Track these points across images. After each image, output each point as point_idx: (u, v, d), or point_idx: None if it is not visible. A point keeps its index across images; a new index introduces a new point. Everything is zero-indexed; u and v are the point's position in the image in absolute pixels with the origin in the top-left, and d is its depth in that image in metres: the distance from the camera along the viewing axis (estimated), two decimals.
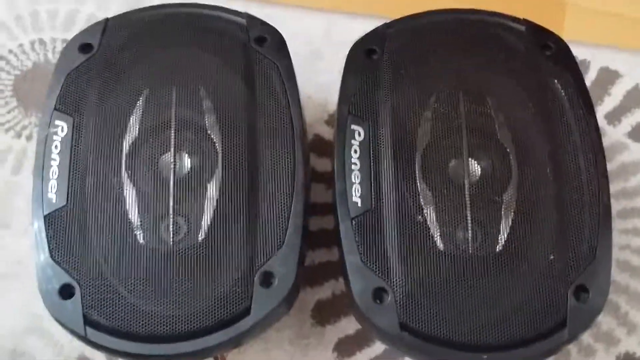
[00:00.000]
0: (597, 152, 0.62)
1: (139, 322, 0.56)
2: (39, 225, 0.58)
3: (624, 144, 0.78)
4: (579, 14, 0.86)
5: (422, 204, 0.59)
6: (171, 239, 0.58)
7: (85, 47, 0.64)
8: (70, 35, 0.67)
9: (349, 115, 0.62)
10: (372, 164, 0.61)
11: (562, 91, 0.64)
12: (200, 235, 0.58)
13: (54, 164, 0.59)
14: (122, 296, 0.56)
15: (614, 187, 0.75)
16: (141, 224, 0.58)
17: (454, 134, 0.62)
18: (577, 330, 0.57)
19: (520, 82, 0.65)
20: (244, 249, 0.58)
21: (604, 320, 0.70)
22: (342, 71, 0.65)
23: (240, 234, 0.58)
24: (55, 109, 0.61)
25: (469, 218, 0.59)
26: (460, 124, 0.62)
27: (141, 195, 0.59)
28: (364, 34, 0.67)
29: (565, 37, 0.67)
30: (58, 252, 0.57)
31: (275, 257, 0.58)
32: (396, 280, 0.57)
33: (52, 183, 0.59)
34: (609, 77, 0.81)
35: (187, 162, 0.60)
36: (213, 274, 0.57)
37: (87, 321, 0.56)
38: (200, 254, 0.57)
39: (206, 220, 0.58)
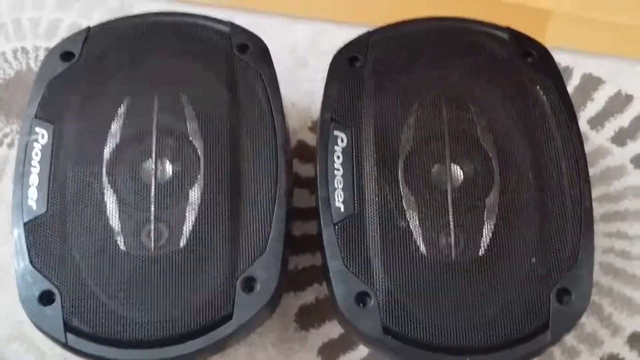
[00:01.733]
0: (579, 158, 0.62)
1: (121, 328, 0.55)
2: (19, 232, 0.58)
3: (607, 149, 0.79)
4: (562, 21, 0.87)
5: (405, 209, 0.60)
6: (153, 245, 0.57)
7: (66, 55, 0.64)
8: (52, 44, 0.67)
9: (332, 122, 0.63)
10: (355, 169, 0.61)
11: (544, 97, 0.64)
12: (182, 241, 0.58)
13: (34, 171, 0.59)
14: (102, 302, 0.56)
15: (597, 191, 0.76)
16: (122, 231, 0.58)
17: (436, 140, 0.62)
18: (560, 333, 0.57)
19: (503, 88, 0.65)
20: (226, 255, 0.57)
21: (588, 322, 0.70)
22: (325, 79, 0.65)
23: (222, 239, 0.58)
24: (35, 116, 0.61)
25: (451, 223, 0.59)
26: (443, 130, 0.62)
27: (122, 202, 0.59)
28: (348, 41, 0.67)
29: (548, 43, 0.68)
30: (38, 259, 0.57)
31: (257, 263, 0.57)
32: (379, 284, 0.57)
33: (32, 190, 0.59)
34: (591, 83, 0.82)
35: (168, 168, 0.60)
36: (195, 279, 0.57)
37: (68, 328, 0.55)
38: (182, 260, 0.57)
39: (188, 226, 0.58)
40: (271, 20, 0.84)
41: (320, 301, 0.71)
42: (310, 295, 0.71)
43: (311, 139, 0.78)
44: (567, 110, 0.64)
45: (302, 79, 0.81)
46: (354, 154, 0.61)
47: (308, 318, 0.70)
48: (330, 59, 0.66)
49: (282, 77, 0.65)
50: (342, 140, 0.62)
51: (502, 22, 0.69)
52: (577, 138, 0.63)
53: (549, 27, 0.86)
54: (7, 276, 0.70)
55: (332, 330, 0.70)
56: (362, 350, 0.69)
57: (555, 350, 0.69)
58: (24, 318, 0.57)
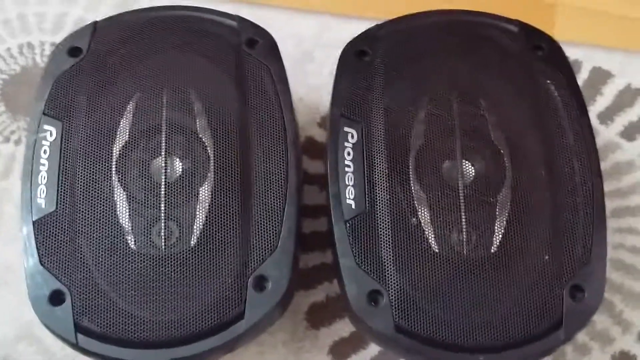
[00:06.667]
0: (590, 152, 0.62)
1: (131, 328, 0.55)
2: (28, 231, 0.57)
3: (617, 144, 0.78)
4: (571, 14, 0.86)
5: (416, 205, 0.59)
6: (163, 244, 0.57)
7: (74, 51, 0.63)
8: (58, 39, 0.66)
9: (342, 118, 0.62)
10: (365, 166, 0.60)
11: (554, 92, 0.64)
12: (192, 239, 0.57)
13: (43, 169, 0.59)
14: (113, 302, 0.55)
15: (608, 187, 0.75)
16: (132, 229, 0.57)
17: (447, 136, 0.62)
18: (573, 330, 0.57)
19: (513, 83, 0.64)
20: (236, 253, 0.57)
21: (599, 319, 0.70)
22: (333, 73, 0.64)
23: (232, 238, 0.57)
24: (43, 113, 0.60)
25: (463, 219, 0.59)
26: (454, 126, 0.62)
27: (132, 200, 0.58)
28: (355, 35, 0.67)
29: (557, 37, 0.67)
30: (48, 258, 0.56)
31: (268, 261, 0.57)
32: (391, 282, 0.57)
33: (41, 188, 0.58)
34: (601, 76, 0.81)
35: (178, 166, 0.59)
36: (206, 278, 0.56)
37: (78, 328, 0.55)
38: (192, 259, 0.57)
39: (198, 224, 0.58)
40: (275, 14, 0.84)
41: (330, 299, 0.70)
42: (320, 293, 0.71)
43: (320, 135, 0.77)
44: (577, 104, 0.64)
45: (308, 72, 0.81)
46: (364, 150, 0.61)
47: (319, 316, 0.70)
48: (337, 53, 0.65)
49: (289, 72, 0.65)
50: (352, 137, 0.61)
51: (511, 14, 0.68)
52: (588, 132, 0.63)
53: (557, 20, 0.85)
54: (14, 275, 0.70)
55: (343, 328, 0.69)
56: (374, 348, 0.69)
57: (567, 348, 0.69)
58: (32, 318, 0.56)
